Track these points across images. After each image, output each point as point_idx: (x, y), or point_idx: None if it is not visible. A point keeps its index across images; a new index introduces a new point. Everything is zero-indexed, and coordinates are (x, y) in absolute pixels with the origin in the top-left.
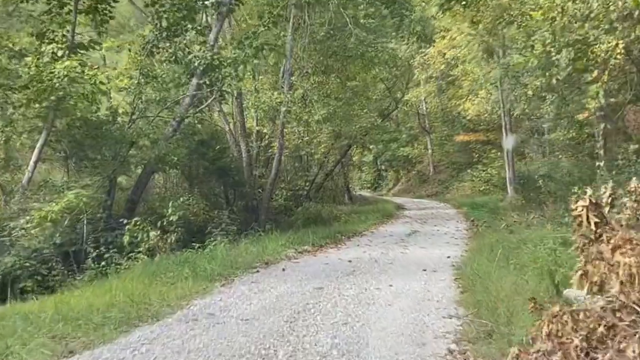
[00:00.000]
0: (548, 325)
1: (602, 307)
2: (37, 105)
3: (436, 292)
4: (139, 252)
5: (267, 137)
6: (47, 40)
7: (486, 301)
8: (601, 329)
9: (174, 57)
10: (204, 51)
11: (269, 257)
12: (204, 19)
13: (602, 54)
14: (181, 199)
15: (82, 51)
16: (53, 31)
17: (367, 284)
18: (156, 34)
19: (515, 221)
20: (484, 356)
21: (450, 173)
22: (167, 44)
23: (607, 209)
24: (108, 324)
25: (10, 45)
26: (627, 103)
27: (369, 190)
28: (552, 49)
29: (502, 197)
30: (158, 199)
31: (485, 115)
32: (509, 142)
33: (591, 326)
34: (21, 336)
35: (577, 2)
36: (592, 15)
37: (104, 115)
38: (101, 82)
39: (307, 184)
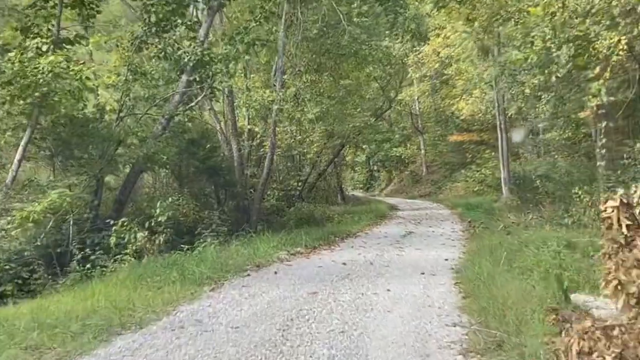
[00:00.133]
0: (579, 343)
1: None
2: (21, 101)
3: (437, 298)
4: (126, 254)
5: (259, 136)
6: (31, 35)
7: (492, 308)
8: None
9: (163, 53)
10: (194, 47)
11: (261, 259)
12: (194, 14)
13: (604, 50)
14: (170, 199)
15: (68, 46)
16: (37, 25)
17: (363, 288)
18: (145, 30)
19: (513, 222)
20: None
21: (443, 173)
22: (156, 40)
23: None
24: (87, 332)
25: None
26: (629, 101)
27: (361, 190)
28: (552, 45)
29: (497, 197)
30: (147, 199)
31: (480, 114)
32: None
33: (627, 343)
34: None
35: None
36: (593, 10)
37: (91, 112)
38: (87, 78)
39: (300, 184)
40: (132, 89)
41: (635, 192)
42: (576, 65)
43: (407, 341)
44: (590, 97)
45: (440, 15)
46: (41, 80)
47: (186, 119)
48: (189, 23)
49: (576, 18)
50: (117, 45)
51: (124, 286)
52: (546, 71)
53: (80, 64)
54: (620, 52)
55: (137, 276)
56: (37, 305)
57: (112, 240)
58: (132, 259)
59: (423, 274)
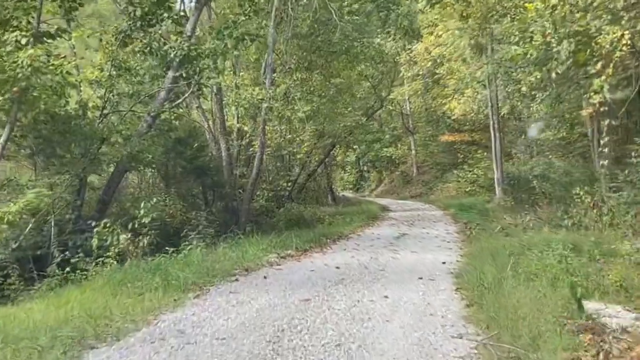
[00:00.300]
0: None
1: None
2: None
3: (438, 305)
4: (108, 257)
5: (248, 135)
6: (10, 28)
7: (502, 318)
8: None
9: (148, 48)
10: (180, 42)
11: (249, 263)
12: (181, 7)
13: (607, 45)
14: (154, 199)
15: (49, 40)
16: (17, 18)
17: (358, 294)
18: (129, 24)
19: (510, 224)
20: None
21: (434, 174)
22: (142, 34)
23: None
24: (57, 346)
25: None
26: (631, 99)
27: (351, 191)
28: (552, 40)
29: (489, 198)
30: (132, 200)
31: (472, 114)
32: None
33: None
34: None
35: None
36: (595, 4)
37: (73, 109)
38: (68, 73)
39: (289, 184)
40: (116, 85)
41: None
42: (575, 62)
43: (410, 356)
44: (592, 94)
45: (434, 12)
46: (20, 75)
47: (173, 117)
48: (175, 17)
49: (577, 12)
50: (101, 40)
51: (102, 292)
52: (544, 68)
53: (61, 58)
54: (624, 48)
55: (117, 281)
56: (5, 314)
57: (94, 242)
58: (115, 262)
59: (421, 278)
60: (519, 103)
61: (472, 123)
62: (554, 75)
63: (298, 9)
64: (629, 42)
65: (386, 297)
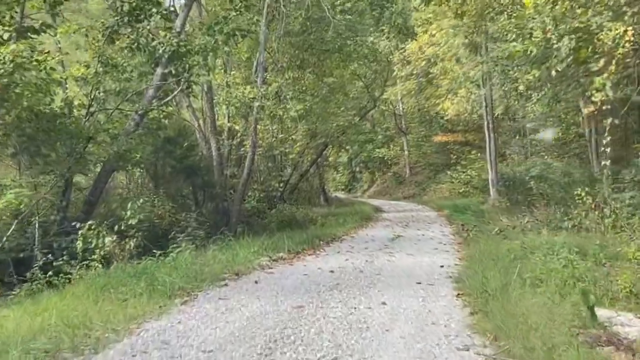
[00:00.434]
0: None
1: None
2: None
3: (440, 313)
4: (93, 260)
5: (239, 134)
6: None
7: (511, 329)
8: None
9: (136, 44)
10: (169, 38)
11: (240, 266)
12: (171, 3)
13: (609, 42)
14: (141, 200)
15: (33, 36)
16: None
17: (355, 300)
18: (117, 19)
19: (507, 225)
20: None
21: (427, 175)
22: (129, 30)
23: None
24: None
25: None
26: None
27: (343, 192)
28: (553, 36)
29: (484, 199)
30: (119, 201)
31: (465, 114)
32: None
33: None
34: None
35: None
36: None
37: (58, 107)
38: (52, 69)
39: (281, 184)
40: (103, 83)
41: None
42: (575, 60)
43: None
44: (593, 92)
45: (428, 10)
46: (2, 71)
47: (162, 116)
48: (164, 12)
49: (578, 8)
50: (87, 36)
51: (84, 298)
52: (543, 66)
53: (45, 53)
54: (627, 44)
55: (100, 286)
56: None
57: (79, 244)
58: (100, 265)
59: (419, 283)
60: (515, 102)
61: (466, 123)
62: (553, 73)
63: (290, 6)
64: (632, 38)
65: (384, 303)
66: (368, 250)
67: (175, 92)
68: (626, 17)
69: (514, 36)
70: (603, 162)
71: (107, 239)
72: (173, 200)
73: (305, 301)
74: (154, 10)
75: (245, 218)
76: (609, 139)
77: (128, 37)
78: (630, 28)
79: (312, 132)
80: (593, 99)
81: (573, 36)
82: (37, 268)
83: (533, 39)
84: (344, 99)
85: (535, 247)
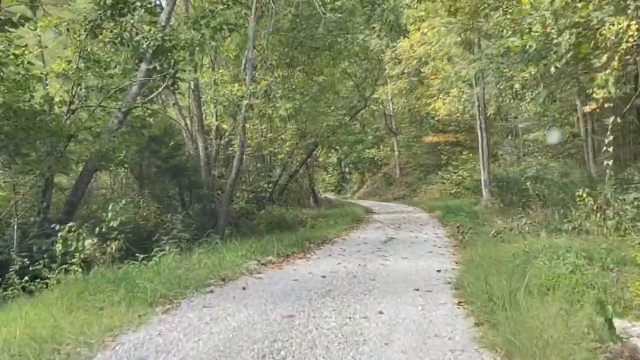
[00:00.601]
0: None
1: None
2: None
3: (441, 324)
4: (72, 264)
5: (227, 134)
6: None
7: (525, 344)
8: None
9: (119, 39)
10: (154, 32)
11: (227, 271)
12: None
13: (612, 37)
14: (123, 201)
15: (11, 29)
16: None
17: (349, 309)
18: (99, 13)
19: (505, 227)
20: None
21: (417, 175)
22: (112, 24)
23: None
24: None
25: None
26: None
27: (332, 192)
28: (552, 31)
29: (476, 200)
30: (103, 202)
31: (457, 114)
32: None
33: None
34: None
35: None
36: None
37: (38, 104)
38: (30, 63)
39: (270, 185)
40: (85, 79)
41: None
42: (575, 56)
43: None
44: (595, 89)
45: (420, 7)
46: None
47: (146, 114)
48: (148, 6)
49: (579, 1)
50: (68, 30)
51: (57, 306)
52: (542, 63)
53: (22, 47)
54: (630, 39)
55: (76, 293)
56: None
57: (58, 247)
58: (79, 270)
59: (417, 289)
60: (510, 101)
61: (457, 124)
62: (553, 69)
63: (280, 2)
64: (635, 33)
65: (381, 312)
66: (360, 253)
67: (160, 89)
68: (629, 11)
69: (509, 32)
70: (605, 162)
71: (87, 242)
72: (159, 201)
73: (296, 310)
74: (138, 3)
75: (233, 219)
76: (611, 137)
77: (111, 31)
78: (634, 22)
79: (301, 132)
80: (595, 95)
81: (574, 30)
82: (12, 272)
83: (532, 33)
84: (334, 98)
85: (538, 250)
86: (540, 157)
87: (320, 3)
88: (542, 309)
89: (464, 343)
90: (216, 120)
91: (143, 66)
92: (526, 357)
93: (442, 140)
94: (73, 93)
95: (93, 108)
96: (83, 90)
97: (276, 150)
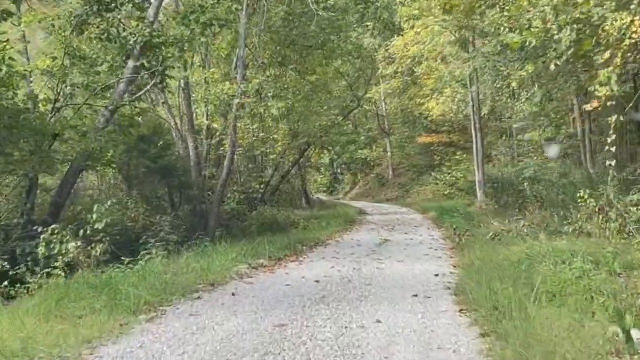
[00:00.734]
0: None
1: None
2: None
3: (444, 334)
4: (55, 267)
5: (218, 133)
6: None
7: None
8: None
9: (105, 35)
10: (141, 28)
11: (216, 275)
12: None
13: (615, 33)
14: (108, 202)
15: None
16: None
17: (345, 317)
18: (85, 8)
19: (502, 229)
20: None
21: (410, 176)
22: (99, 20)
23: None
24: None
25: None
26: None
27: (324, 193)
28: (553, 26)
29: (470, 201)
30: (89, 203)
31: (451, 114)
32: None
33: None
34: None
35: None
36: None
37: (22, 101)
38: (11, 59)
39: (262, 186)
40: (70, 76)
41: None
42: (575, 53)
43: None
44: (597, 86)
45: (414, 5)
46: None
47: (135, 112)
48: (136, 1)
49: None
50: (53, 26)
51: (34, 315)
52: (540, 61)
53: (4, 42)
54: (634, 35)
55: (55, 301)
56: None
57: (41, 250)
58: (62, 274)
59: (415, 295)
60: (507, 100)
61: (451, 124)
62: (552, 67)
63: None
64: (639, 29)
65: (379, 321)
66: (355, 256)
67: (148, 86)
68: (632, 6)
69: (506, 30)
70: (607, 162)
71: (71, 245)
72: (147, 202)
73: (288, 318)
74: None
75: (224, 221)
76: (614, 137)
77: (97, 27)
78: (637, 18)
79: (293, 132)
80: (597, 93)
81: (575, 26)
82: None
83: (532, 29)
84: (326, 98)
85: (541, 254)
86: (535, 158)
87: (312, 0)
88: (553, 318)
89: (470, 356)
90: (207, 119)
91: (130, 63)
92: None
93: (435, 141)
94: (58, 90)
95: (79, 106)
96: (68, 87)
97: (268, 151)
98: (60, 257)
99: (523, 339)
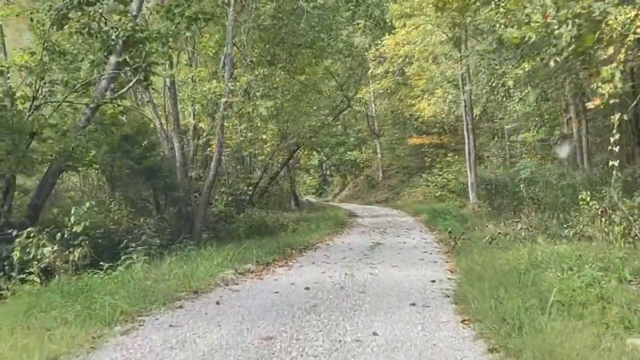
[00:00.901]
0: None
1: None
2: None
3: (448, 349)
4: (30, 273)
5: (205, 134)
6: None
7: None
8: None
9: (87, 29)
10: (124, 22)
11: (200, 282)
12: None
13: (619, 28)
14: (87, 204)
15: None
16: None
17: (338, 329)
18: (66, 2)
19: (499, 232)
20: None
21: (400, 178)
22: (80, 14)
23: None
24: None
25: None
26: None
27: (313, 195)
28: (554, 21)
29: (462, 203)
30: (71, 205)
31: (442, 115)
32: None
33: None
34: None
35: None
36: None
37: None
38: None
39: (251, 188)
40: (50, 72)
41: None
42: (574, 50)
43: None
44: (600, 83)
45: (406, 4)
46: None
47: (117, 110)
48: None
49: None
50: (31, 20)
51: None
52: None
53: None
54: (639, 30)
55: (23, 310)
56: None
57: (16, 255)
58: (38, 280)
59: (413, 305)
60: (503, 99)
61: (442, 125)
62: (552, 63)
63: None
64: None
65: (375, 334)
66: (346, 260)
67: (131, 83)
68: (637, 0)
69: (502, 27)
70: (611, 162)
71: (47, 249)
72: (132, 204)
73: (276, 330)
74: None
75: (211, 223)
76: (617, 136)
77: (78, 21)
78: None
79: (282, 133)
80: (600, 91)
81: (577, 21)
82: None
83: (532, 24)
84: (316, 98)
85: (545, 260)
86: (529, 159)
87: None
88: (568, 331)
89: None
90: (194, 119)
91: (113, 59)
92: None
93: (426, 142)
94: (37, 87)
95: (58, 104)
96: (47, 84)
97: (256, 152)
98: (36, 262)
99: (539, 356)
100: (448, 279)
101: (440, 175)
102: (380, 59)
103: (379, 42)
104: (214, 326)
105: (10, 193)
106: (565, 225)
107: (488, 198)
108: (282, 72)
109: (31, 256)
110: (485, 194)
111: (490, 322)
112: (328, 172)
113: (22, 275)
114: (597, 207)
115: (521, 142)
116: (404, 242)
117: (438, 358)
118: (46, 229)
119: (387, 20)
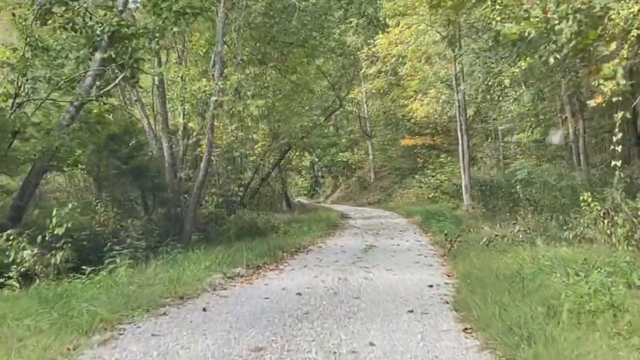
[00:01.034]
0: None
1: None
2: None
3: None
4: (9, 277)
5: (195, 134)
6: None
7: None
8: None
9: (71, 24)
10: (109, 17)
11: (186, 287)
12: None
13: (621, 23)
14: (69, 205)
15: None
16: None
17: (333, 339)
18: None
19: (496, 235)
20: None
21: (392, 179)
22: (63, 9)
23: None
24: None
25: None
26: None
27: (305, 197)
28: (554, 16)
29: (455, 204)
30: (55, 206)
31: (435, 116)
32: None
33: None
34: None
35: None
36: None
37: None
38: None
39: (241, 189)
40: (32, 69)
41: None
42: (574, 47)
43: None
44: (602, 80)
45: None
46: None
47: (103, 109)
48: None
49: None
50: (14, 15)
51: None
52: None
53: None
54: None
55: None
56: None
57: None
58: (17, 285)
59: (411, 311)
60: (499, 98)
61: (434, 126)
62: (552, 60)
63: None
64: None
65: (372, 344)
66: (339, 264)
67: (118, 80)
68: None
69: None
70: (613, 163)
71: (26, 252)
72: (119, 205)
73: (266, 339)
74: None
75: (201, 225)
76: (619, 135)
77: (62, 16)
78: None
79: (274, 133)
80: (602, 88)
81: (578, 15)
82: None
83: (532, 19)
84: (308, 98)
85: (549, 265)
86: (523, 160)
87: None
88: (582, 343)
89: None
90: (183, 118)
91: (98, 55)
92: None
93: (419, 143)
94: (19, 84)
95: (41, 101)
96: (30, 81)
97: (247, 152)
98: (15, 266)
99: None
100: (445, 283)
101: (433, 177)
102: (373, 58)
103: (372, 41)
104: (199, 335)
105: None
106: (565, 227)
107: (482, 199)
108: (274, 71)
109: (11, 259)
110: (480, 196)
111: (495, 331)
112: (320, 174)
113: (0, 280)
114: (599, 208)
115: (516, 143)
116: (398, 245)
117: None
118: (27, 231)
119: (381, 19)
